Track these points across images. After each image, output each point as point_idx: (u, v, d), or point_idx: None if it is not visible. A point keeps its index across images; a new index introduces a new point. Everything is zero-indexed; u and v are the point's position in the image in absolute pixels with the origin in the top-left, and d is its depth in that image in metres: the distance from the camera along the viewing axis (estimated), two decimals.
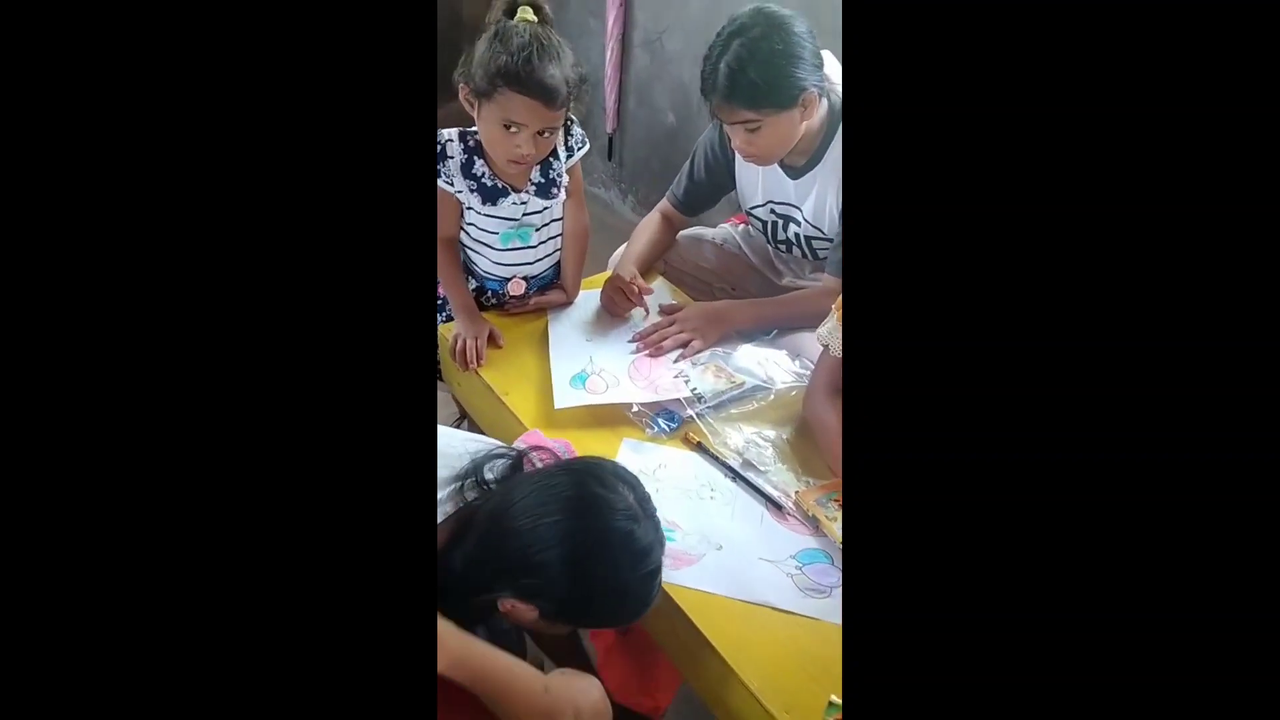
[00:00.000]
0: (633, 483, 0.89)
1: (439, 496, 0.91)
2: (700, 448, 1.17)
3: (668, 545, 1.03)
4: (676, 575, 0.99)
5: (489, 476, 0.93)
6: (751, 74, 1.22)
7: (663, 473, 1.12)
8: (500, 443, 1.01)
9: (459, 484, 0.92)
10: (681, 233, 1.65)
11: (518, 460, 0.96)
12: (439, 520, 0.90)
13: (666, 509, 1.07)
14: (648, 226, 1.59)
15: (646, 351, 1.32)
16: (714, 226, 1.73)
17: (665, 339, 1.33)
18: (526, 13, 1.15)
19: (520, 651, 1.04)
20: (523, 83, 1.11)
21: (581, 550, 0.83)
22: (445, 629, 0.81)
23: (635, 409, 1.21)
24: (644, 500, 0.88)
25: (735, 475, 1.13)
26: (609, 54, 2.46)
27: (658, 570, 0.87)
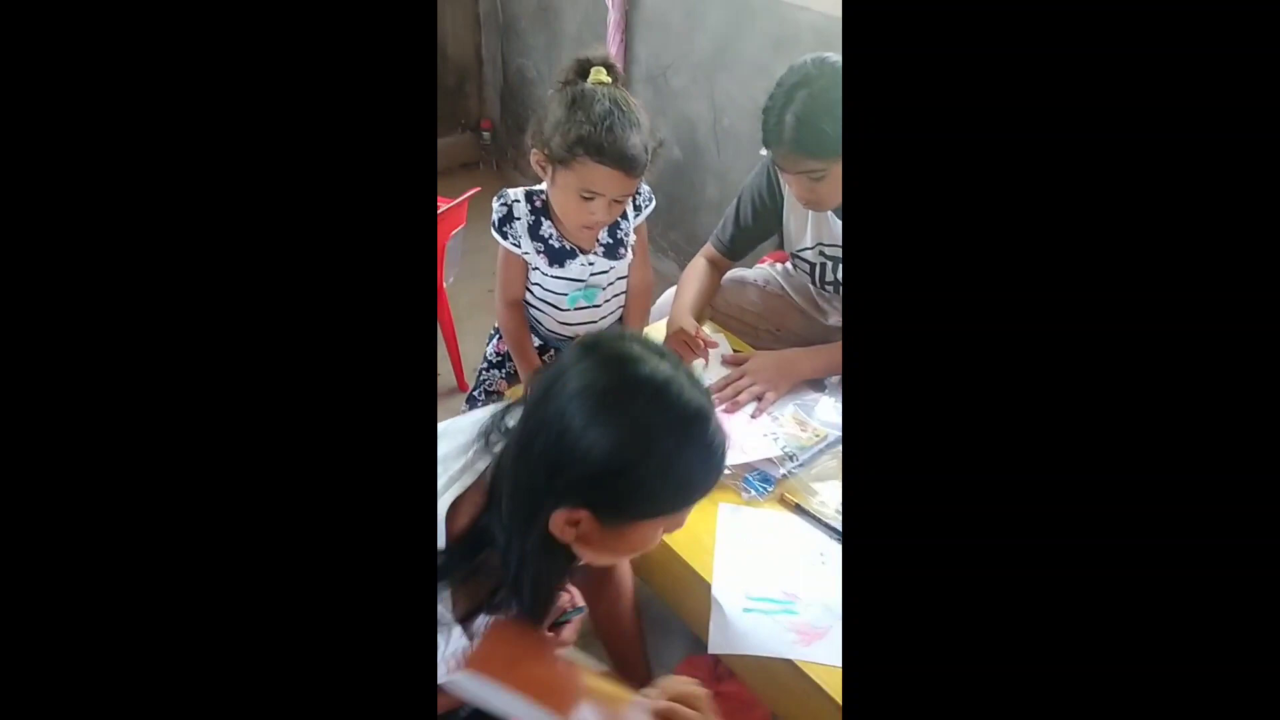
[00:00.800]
0: (640, 338, 0.81)
1: (466, 457, 0.84)
2: (800, 509, 1.14)
3: (791, 619, 1.01)
4: (807, 651, 0.97)
5: (510, 424, 0.85)
6: (822, 125, 1.21)
7: (769, 539, 1.10)
8: None
9: (483, 439, 0.86)
10: (724, 276, 1.63)
11: None
12: (471, 481, 0.83)
13: (782, 580, 1.05)
14: (696, 274, 1.57)
15: (722, 407, 1.29)
16: (749, 266, 1.72)
17: (739, 393, 1.31)
18: (600, 74, 1.12)
19: None
20: (605, 153, 1.08)
21: (609, 403, 0.73)
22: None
23: (726, 471, 1.18)
24: (653, 344, 0.80)
25: (842, 537, 1.10)
26: None
27: (698, 417, 0.75)
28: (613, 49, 2.39)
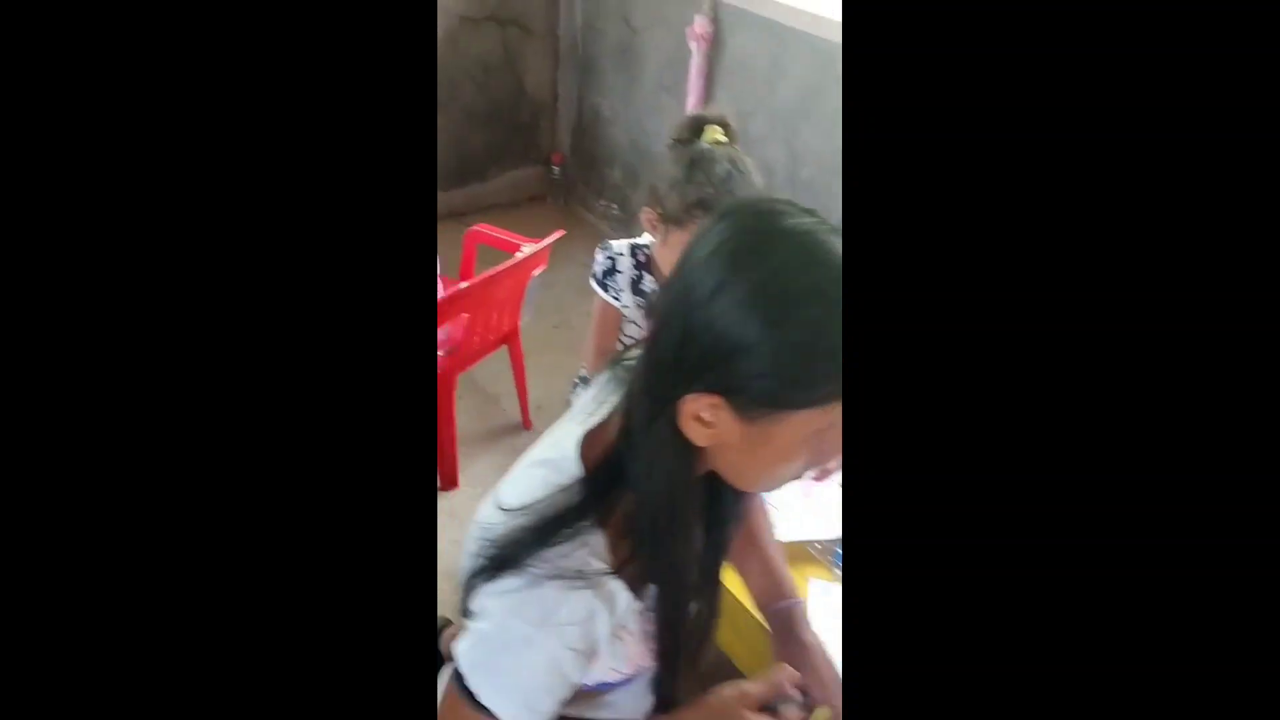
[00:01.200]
0: (784, 200, 0.66)
1: (600, 395, 0.75)
2: None
3: None
4: None
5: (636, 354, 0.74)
6: None
7: None
8: None
9: (613, 372, 0.75)
10: None
11: None
12: (605, 415, 0.73)
13: None
14: None
15: (813, 475, 1.26)
16: None
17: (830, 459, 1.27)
18: (716, 133, 1.11)
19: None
20: None
21: (741, 263, 0.60)
22: None
23: (818, 545, 1.14)
24: (798, 204, 0.65)
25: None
26: None
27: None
28: (695, 94, 2.39)
